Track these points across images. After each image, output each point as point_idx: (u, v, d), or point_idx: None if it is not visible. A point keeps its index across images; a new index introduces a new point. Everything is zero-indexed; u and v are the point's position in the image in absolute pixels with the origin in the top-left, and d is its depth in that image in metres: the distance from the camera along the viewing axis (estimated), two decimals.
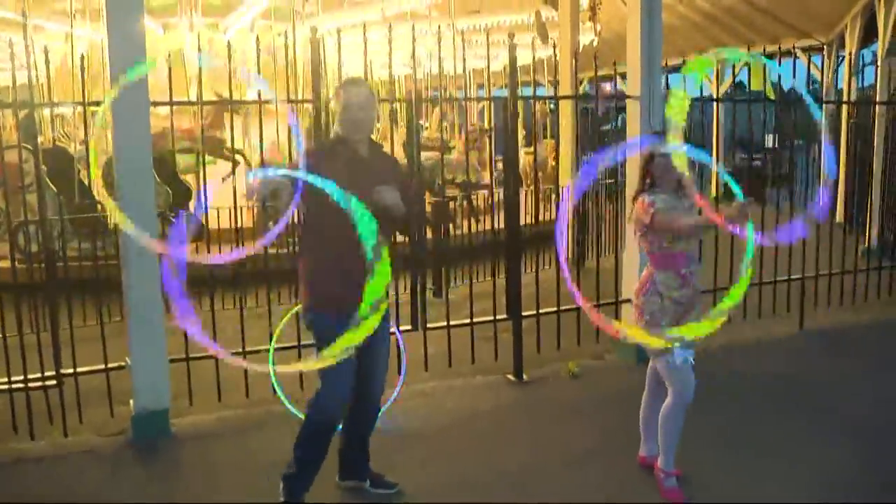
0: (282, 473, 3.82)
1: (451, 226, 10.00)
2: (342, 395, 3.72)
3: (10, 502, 4.13)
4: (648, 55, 5.99)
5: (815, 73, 15.87)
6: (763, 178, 8.85)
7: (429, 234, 7.64)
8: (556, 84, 6.74)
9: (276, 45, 11.27)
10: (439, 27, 6.11)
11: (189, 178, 11.02)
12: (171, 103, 5.05)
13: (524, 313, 5.97)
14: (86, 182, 9.77)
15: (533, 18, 11.91)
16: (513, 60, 5.69)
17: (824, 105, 14.12)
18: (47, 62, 4.84)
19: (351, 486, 4.07)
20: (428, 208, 8.85)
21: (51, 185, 8.81)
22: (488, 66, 7.77)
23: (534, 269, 6.39)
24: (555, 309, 6.14)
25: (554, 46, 7.30)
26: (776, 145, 9.16)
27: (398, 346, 5.26)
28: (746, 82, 18.89)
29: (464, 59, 6.27)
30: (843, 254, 7.49)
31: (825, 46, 15.91)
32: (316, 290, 3.74)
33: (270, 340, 5.16)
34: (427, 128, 14.85)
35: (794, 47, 15.58)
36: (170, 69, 5.10)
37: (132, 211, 4.60)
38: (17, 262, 5.17)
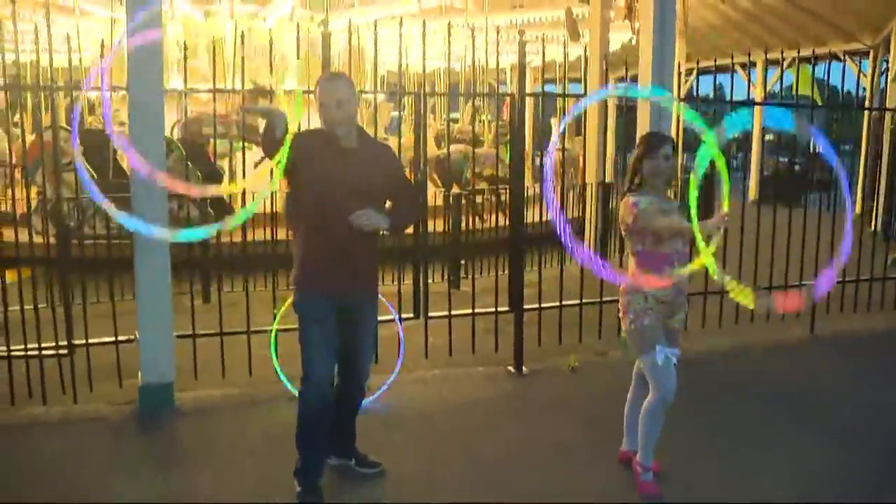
0: (294, 469, 3.95)
1: (477, 218, 10.16)
2: (324, 381, 3.86)
3: (21, 464, 4.37)
4: (660, 58, 6.05)
5: (862, 79, 15.67)
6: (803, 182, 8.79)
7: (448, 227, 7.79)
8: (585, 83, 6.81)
9: (314, 36, 11.50)
10: (473, 25, 6.20)
11: (223, 163, 11.31)
12: (185, 91, 5.25)
13: (527, 306, 6.08)
14: (121, 162, 10.11)
15: (564, 16, 11.93)
16: (522, 58, 5.79)
17: (866, 111, 14.04)
18: (102, 47, 5.04)
19: (336, 464, 4.23)
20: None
21: (86, 164, 9.12)
22: (519, 61, 7.82)
23: (539, 266, 6.49)
24: (556, 304, 6.24)
25: (585, 47, 7.36)
26: (817, 150, 9.05)
27: (398, 335, 5.43)
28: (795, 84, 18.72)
29: (496, 54, 6.28)
30: (870, 261, 7.47)
31: (871, 50, 15.66)
32: (304, 271, 3.86)
33: (273, 322, 5.35)
34: (459, 120, 14.98)
35: (841, 52, 15.36)
36: (214, 56, 5.29)
37: (145, 190, 4.85)
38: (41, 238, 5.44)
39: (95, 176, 9.19)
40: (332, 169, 3.71)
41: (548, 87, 12.78)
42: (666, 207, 3.99)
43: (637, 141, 4.35)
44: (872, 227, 12.24)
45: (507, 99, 16.17)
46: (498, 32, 8.88)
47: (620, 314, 4.12)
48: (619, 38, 13.16)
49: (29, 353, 5.05)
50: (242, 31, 5.63)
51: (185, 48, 5.41)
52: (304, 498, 3.86)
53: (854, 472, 4.40)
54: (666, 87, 6.13)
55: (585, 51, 6.67)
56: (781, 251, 6.90)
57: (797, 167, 17.32)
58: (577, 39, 11.30)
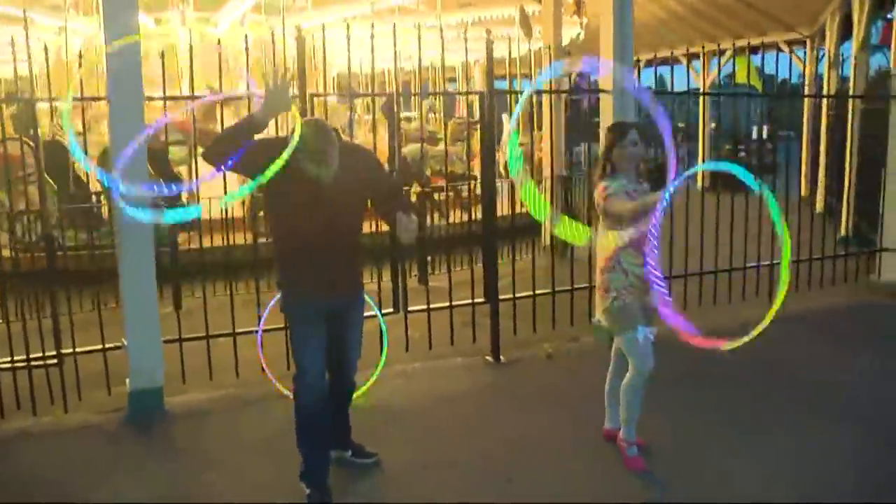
0: (299, 472, 4.00)
1: (437, 215, 10.31)
2: (318, 379, 3.92)
3: (15, 475, 4.39)
4: (620, 50, 6.26)
5: (800, 66, 16.22)
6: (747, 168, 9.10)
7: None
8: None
9: (266, 41, 11.50)
10: (419, 25, 6.34)
11: (181, 170, 11.26)
12: (164, 98, 5.30)
13: (501, 297, 6.25)
14: (80, 174, 10.01)
15: (517, 13, 12.14)
16: (489, 55, 5.95)
17: (805, 98, 14.54)
18: (47, 58, 5.08)
19: (334, 456, 4.32)
20: (415, 198, 9.13)
21: (47, 177, 9.04)
22: (466, 60, 8.02)
23: (511, 258, 6.65)
24: (530, 293, 6.43)
25: (537, 41, 7.56)
26: (762, 137, 9.42)
27: (380, 329, 5.55)
28: (734, 74, 19.27)
29: (442, 53, 6.45)
30: (822, 241, 7.81)
31: (808, 39, 16.20)
32: (289, 279, 3.93)
33: (258, 323, 5.44)
34: (414, 119, 15.09)
35: (781, 42, 15.90)
36: (163, 63, 5.34)
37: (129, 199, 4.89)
38: (17, 252, 5.44)
39: (56, 188, 9.10)
40: (313, 204, 3.70)
41: (499, 84, 12.99)
42: (639, 189, 4.22)
43: (604, 132, 4.54)
44: (818, 209, 12.74)
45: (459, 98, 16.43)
46: (441, 31, 9.08)
47: (600, 294, 4.28)
48: (569, 33, 13.41)
49: (16, 364, 5.05)
50: (196, 38, 5.66)
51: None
52: (314, 499, 3.91)
53: (822, 442, 4.65)
54: (627, 79, 6.32)
55: (529, 44, 6.88)
56: (726, 237, 7.19)
57: (741, 154, 17.92)
58: (530, 36, 11.53)
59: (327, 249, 3.78)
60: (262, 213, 8.67)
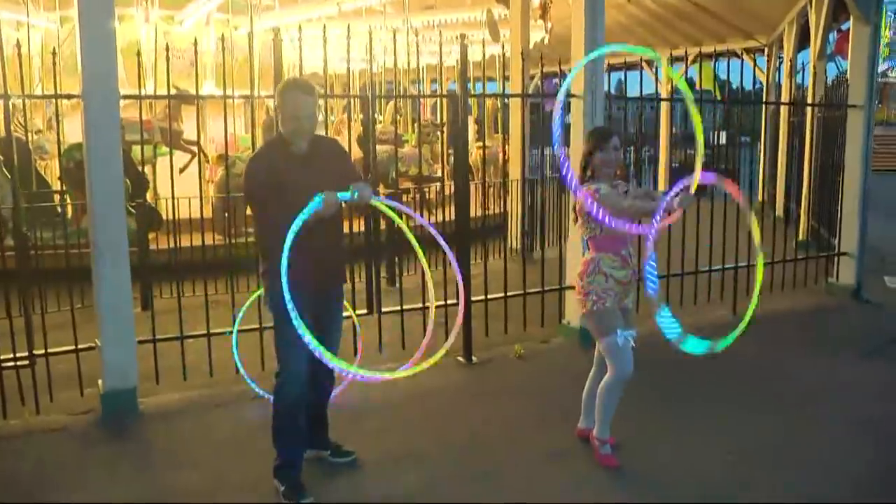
0: (272, 468, 4.01)
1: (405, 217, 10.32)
2: (301, 377, 3.95)
3: None
4: (592, 52, 6.33)
5: (759, 74, 16.56)
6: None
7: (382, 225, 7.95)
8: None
9: (233, 40, 11.44)
10: (395, 30, 6.37)
11: (146, 169, 11.13)
12: (140, 97, 5.26)
13: (473, 299, 6.31)
14: (42, 172, 9.87)
15: (485, 16, 12.23)
16: (464, 58, 6.02)
17: (765, 105, 14.86)
18: (19, 54, 5.01)
19: (312, 456, 4.33)
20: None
21: (7, 174, 8.89)
22: (441, 62, 8.07)
23: (482, 259, 6.71)
24: (502, 295, 6.50)
25: (503, 45, 7.64)
26: (720, 143, 9.59)
27: (354, 329, 5.58)
28: (695, 80, 19.62)
29: (417, 55, 6.55)
30: (782, 245, 8.01)
31: (766, 48, 16.57)
32: (275, 271, 3.91)
33: (233, 324, 5.42)
34: (381, 121, 15.11)
35: (740, 50, 16.21)
36: (139, 61, 5.31)
37: (104, 198, 4.87)
38: None
39: (19, 186, 8.93)
40: (295, 178, 3.78)
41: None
42: (620, 191, 4.31)
43: (584, 137, 4.59)
44: (777, 213, 13.03)
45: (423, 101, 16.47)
46: (417, 33, 9.13)
47: (580, 297, 4.35)
48: (535, 37, 13.54)
49: None
50: (161, 36, 5.63)
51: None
52: (289, 496, 3.92)
53: (786, 436, 4.82)
54: (597, 83, 6.42)
55: (503, 48, 6.95)
56: (689, 239, 7.32)
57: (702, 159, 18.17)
58: (497, 40, 11.62)
59: (313, 238, 3.75)
60: (227, 214, 8.63)
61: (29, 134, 10.89)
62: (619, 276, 4.25)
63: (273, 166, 3.83)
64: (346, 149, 6.08)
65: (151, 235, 8.50)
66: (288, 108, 3.82)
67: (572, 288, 6.55)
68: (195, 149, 10.78)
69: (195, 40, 5.51)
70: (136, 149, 10.48)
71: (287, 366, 3.96)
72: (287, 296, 3.87)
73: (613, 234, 4.19)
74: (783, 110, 13.69)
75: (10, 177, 8.93)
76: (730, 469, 4.36)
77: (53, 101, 9.33)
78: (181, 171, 10.23)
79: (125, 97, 5.15)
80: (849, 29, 11.52)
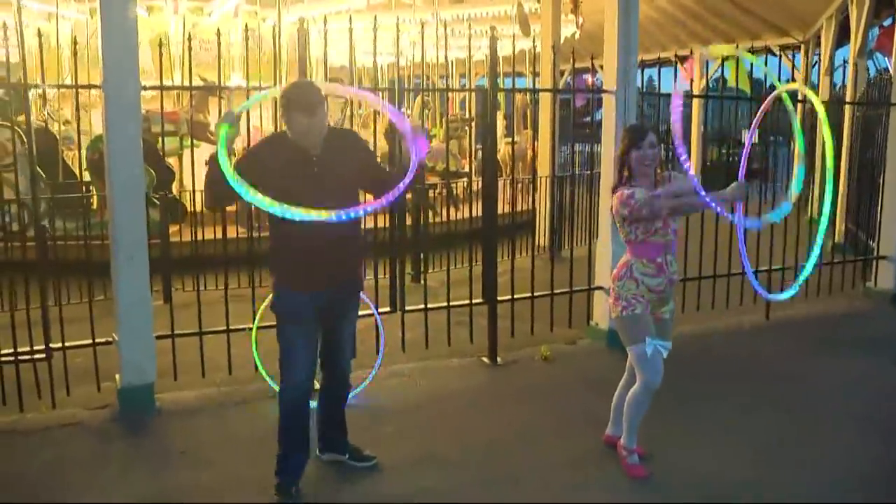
0: (275, 471, 3.92)
1: (430, 213, 10.21)
2: (301, 386, 3.83)
3: (5, 473, 4.25)
4: (625, 50, 6.17)
5: (791, 70, 16.21)
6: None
7: (408, 221, 7.83)
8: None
9: (261, 32, 11.37)
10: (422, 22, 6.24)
11: (172, 161, 11.12)
12: (161, 88, 5.17)
13: (499, 298, 6.17)
14: (69, 162, 9.87)
15: (515, 10, 12.05)
16: (493, 52, 5.87)
17: (799, 104, 14.55)
18: (41, 43, 4.95)
19: (331, 460, 4.24)
20: (408, 195, 9.03)
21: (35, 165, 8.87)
22: (470, 56, 7.91)
23: (510, 257, 6.56)
24: (529, 295, 6.35)
25: (534, 39, 7.48)
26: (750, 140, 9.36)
27: (377, 328, 5.46)
28: (726, 78, 19.28)
29: (446, 49, 6.42)
30: (809, 248, 7.76)
31: (802, 45, 16.22)
32: (282, 271, 3.83)
33: (253, 320, 5.32)
34: (409, 115, 14.99)
35: (768, 45, 15.89)
36: (161, 53, 5.23)
37: (122, 192, 4.79)
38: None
39: (45, 177, 8.93)
40: (303, 182, 3.59)
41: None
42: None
43: (620, 136, 4.36)
44: (809, 215, 12.74)
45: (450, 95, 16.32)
46: (446, 27, 8.98)
47: (611, 302, 4.19)
48: (566, 32, 13.34)
49: (3, 358, 4.91)
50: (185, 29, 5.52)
51: None
52: (278, 498, 3.82)
53: (817, 444, 4.63)
54: (629, 78, 6.24)
55: (534, 42, 6.80)
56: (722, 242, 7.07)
57: (731, 158, 17.89)
58: (528, 34, 11.43)
59: (323, 239, 3.61)
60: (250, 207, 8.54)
61: (57, 124, 10.92)
62: (652, 283, 4.05)
63: (272, 161, 3.62)
64: (372, 143, 6.01)
65: (174, 228, 8.44)
66: (292, 127, 3.60)
67: (601, 288, 6.42)
68: None
69: (218, 31, 5.38)
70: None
71: (289, 371, 3.84)
72: (288, 297, 3.77)
73: (651, 240, 4.03)
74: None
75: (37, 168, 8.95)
76: (753, 473, 4.22)
77: (81, 91, 9.30)
78: (207, 163, 10.17)
79: (146, 88, 5.05)
80: (891, 25, 11.21)
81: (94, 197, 8.91)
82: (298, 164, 3.64)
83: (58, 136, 10.08)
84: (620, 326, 4.14)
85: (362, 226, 3.96)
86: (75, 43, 5.01)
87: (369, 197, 3.78)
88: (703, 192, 3.69)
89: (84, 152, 9.78)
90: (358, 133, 4.18)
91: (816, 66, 15.16)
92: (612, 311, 4.19)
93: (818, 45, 15.28)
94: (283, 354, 3.85)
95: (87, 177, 9.80)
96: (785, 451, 4.51)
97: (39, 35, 4.88)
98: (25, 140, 7.67)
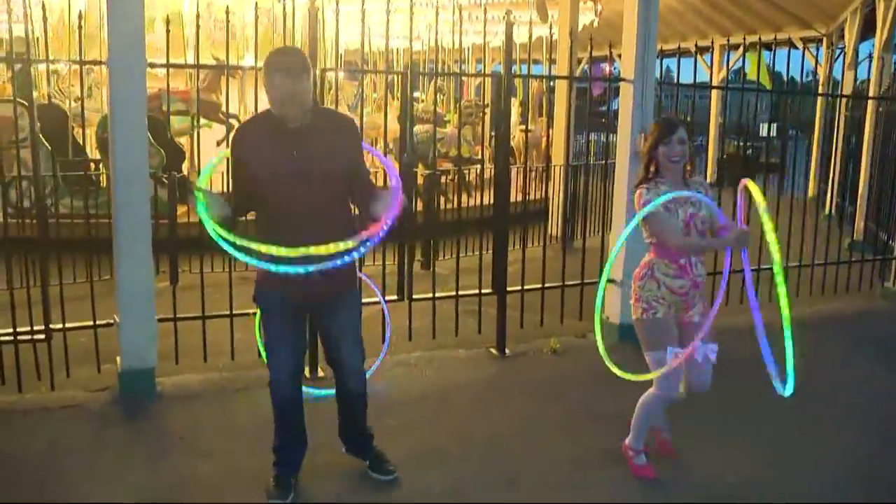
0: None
1: (441, 199, 10.08)
2: (284, 381, 3.68)
3: (2, 454, 4.18)
4: (644, 38, 6.01)
5: (814, 64, 15.96)
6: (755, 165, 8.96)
7: (419, 207, 7.73)
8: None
9: (275, 11, 11.23)
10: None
11: (183, 141, 11.04)
12: (168, 65, 5.07)
13: (509, 289, 6.06)
14: (79, 139, 9.78)
15: None
16: (509, 37, 5.73)
17: (819, 97, 14.33)
18: (45, 17, 4.85)
19: (353, 460, 4.06)
20: (420, 180, 8.92)
21: (44, 142, 8.80)
22: (485, 42, 7.78)
23: (521, 247, 6.44)
24: (539, 286, 6.23)
25: (551, 25, 7.33)
26: (771, 134, 9.21)
27: (383, 316, 5.35)
28: (744, 70, 19.02)
29: (461, 34, 6.29)
30: (832, 244, 7.64)
31: (825, 38, 15.95)
32: (261, 269, 3.51)
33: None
34: (422, 100, 14.84)
35: (797, 39, 15.63)
36: (168, 30, 5.12)
37: (126, 170, 4.69)
38: (8, 218, 5.22)
39: (55, 153, 8.85)
40: (279, 155, 3.38)
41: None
42: (682, 197, 3.82)
43: (650, 129, 4.15)
44: (827, 211, 12.54)
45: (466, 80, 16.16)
46: (461, 11, 8.83)
47: (632, 302, 3.99)
48: (584, 20, 13.15)
49: (2, 338, 4.84)
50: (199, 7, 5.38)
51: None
52: (270, 492, 3.71)
53: (837, 447, 4.51)
54: (648, 68, 6.08)
55: (551, 29, 6.66)
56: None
57: (749, 151, 17.69)
58: (546, 21, 11.27)
59: (302, 225, 3.37)
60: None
61: (67, 101, 10.84)
62: (675, 285, 3.87)
63: (257, 141, 3.44)
64: (383, 127, 5.89)
65: (183, 208, 8.34)
66: (270, 91, 3.34)
67: (613, 282, 6.29)
68: (234, 122, 10.63)
69: (227, 9, 5.27)
70: (174, 120, 10.46)
71: (272, 367, 3.71)
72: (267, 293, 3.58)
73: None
74: (840, 103, 13.14)
75: (46, 144, 8.86)
76: (761, 474, 4.12)
77: (94, 68, 9.20)
78: (218, 144, 10.07)
79: (152, 66, 4.94)
80: None
81: (103, 175, 8.83)
82: (277, 143, 3.40)
83: (68, 113, 9.98)
84: (639, 329, 3.96)
85: (349, 225, 3.53)
86: (81, 17, 4.90)
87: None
88: (723, 223, 3.62)
89: (95, 130, 9.71)
90: (355, 123, 3.79)
91: (839, 60, 14.89)
92: (632, 311, 3.99)
93: (841, 38, 15.02)
94: (266, 348, 3.74)
95: (97, 155, 9.73)
96: (792, 452, 4.40)
97: (44, 9, 4.77)
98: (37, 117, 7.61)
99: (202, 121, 9.90)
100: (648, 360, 3.93)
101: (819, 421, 4.85)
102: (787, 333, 3.27)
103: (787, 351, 3.29)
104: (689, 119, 8.03)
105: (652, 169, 3.90)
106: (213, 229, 3.17)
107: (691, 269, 3.87)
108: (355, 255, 3.20)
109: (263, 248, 3.07)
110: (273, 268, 3.17)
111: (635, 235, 4.03)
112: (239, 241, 3.10)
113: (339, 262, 3.14)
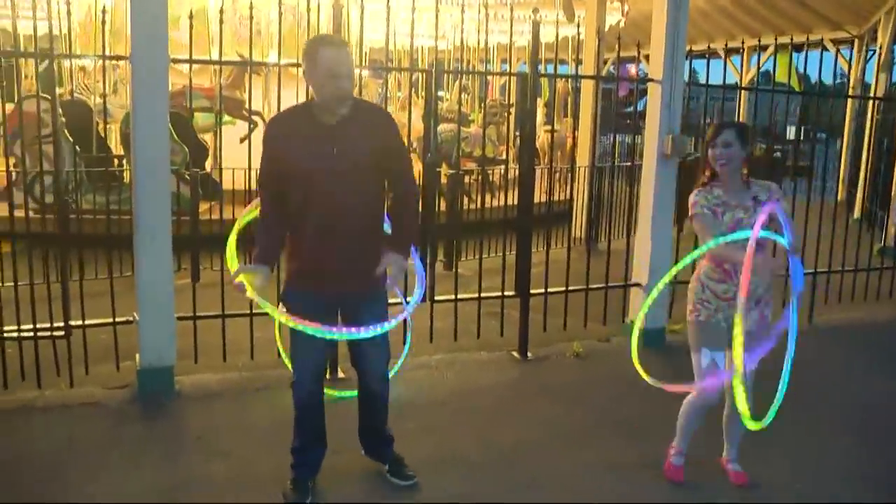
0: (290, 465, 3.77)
1: (465, 199, 10.01)
2: (307, 383, 3.65)
3: (16, 449, 4.17)
4: (673, 38, 5.90)
5: (844, 66, 15.69)
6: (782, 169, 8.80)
7: (442, 207, 7.66)
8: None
9: (300, 8, 11.22)
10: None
11: (206, 137, 11.04)
12: (190, 61, 5.03)
13: (532, 291, 5.97)
14: (103, 135, 9.80)
15: None
16: (535, 36, 5.64)
17: (850, 99, 14.09)
18: (69, 13, 4.82)
19: (372, 463, 4.00)
20: (444, 180, 8.85)
21: (69, 137, 8.83)
22: (511, 41, 7.69)
23: (544, 248, 6.35)
24: (563, 289, 6.14)
25: (578, 25, 7.23)
26: (799, 136, 9.02)
27: (406, 319, 5.27)
28: (774, 72, 18.76)
29: (486, 32, 6.19)
30: (860, 251, 7.47)
31: (856, 39, 15.68)
32: (291, 265, 3.59)
33: (277, 303, 5.17)
34: (447, 99, 14.77)
35: (827, 41, 15.36)
36: (191, 27, 5.09)
37: (147, 166, 4.66)
38: (31, 213, 5.20)
39: (79, 149, 8.88)
40: (316, 151, 3.33)
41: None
42: (736, 207, 3.72)
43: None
44: (856, 216, 12.32)
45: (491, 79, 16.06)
46: (488, 10, 8.72)
47: (689, 305, 3.94)
48: (611, 20, 13.02)
49: (23, 333, 4.82)
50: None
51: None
52: (289, 497, 3.65)
53: (865, 458, 4.37)
54: (677, 68, 5.97)
55: (579, 29, 6.55)
56: None
57: (777, 154, 17.45)
58: (572, 20, 11.15)
59: (336, 228, 3.37)
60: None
61: (93, 97, 10.88)
62: (718, 289, 3.78)
63: (291, 136, 3.39)
64: (407, 126, 5.82)
65: (206, 206, 8.34)
66: (322, 66, 3.23)
67: (638, 285, 6.19)
68: (257, 119, 10.62)
69: (251, 5, 5.22)
70: (198, 116, 10.45)
71: (295, 368, 3.69)
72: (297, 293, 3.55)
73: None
74: (871, 106, 12.91)
75: (70, 140, 8.89)
76: (791, 480, 3.96)
77: (119, 64, 9.21)
78: (242, 140, 10.05)
79: (175, 61, 4.90)
80: None
81: (126, 171, 8.84)
82: (315, 139, 3.35)
83: (93, 109, 10.01)
84: (688, 330, 3.91)
85: (382, 220, 3.59)
86: (105, 12, 4.87)
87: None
88: (788, 228, 3.44)
89: (119, 125, 9.73)
90: (392, 118, 3.72)
91: (871, 62, 14.64)
92: (688, 314, 3.93)
93: (874, 39, 14.76)
94: (292, 349, 3.70)
95: (121, 151, 9.76)
96: (822, 462, 4.29)
97: (69, 4, 4.74)
98: (62, 112, 7.64)
99: (225, 118, 9.91)
100: (693, 360, 3.88)
101: (846, 430, 4.73)
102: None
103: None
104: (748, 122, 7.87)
105: (707, 173, 3.82)
106: (271, 310, 3.40)
107: (735, 275, 3.70)
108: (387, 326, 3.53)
109: (309, 329, 3.31)
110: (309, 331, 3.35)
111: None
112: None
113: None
